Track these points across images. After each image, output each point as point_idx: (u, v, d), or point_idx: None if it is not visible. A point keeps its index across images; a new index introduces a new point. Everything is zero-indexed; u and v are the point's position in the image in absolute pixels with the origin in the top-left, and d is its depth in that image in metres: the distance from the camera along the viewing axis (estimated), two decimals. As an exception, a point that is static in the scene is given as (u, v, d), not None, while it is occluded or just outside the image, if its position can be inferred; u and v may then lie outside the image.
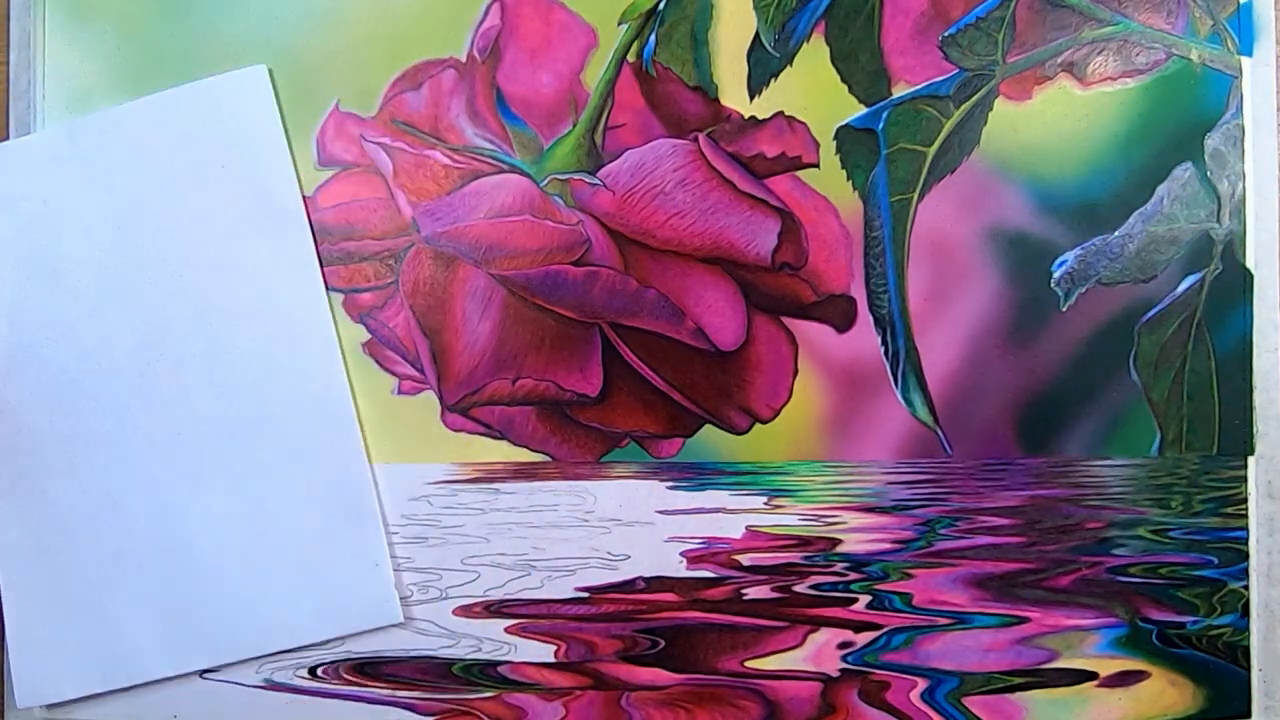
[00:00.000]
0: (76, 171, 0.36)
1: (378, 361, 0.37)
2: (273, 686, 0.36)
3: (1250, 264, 0.37)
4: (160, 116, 0.36)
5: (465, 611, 0.37)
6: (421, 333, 0.37)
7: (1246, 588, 0.37)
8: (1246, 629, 0.37)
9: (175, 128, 0.36)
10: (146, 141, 0.36)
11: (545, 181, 0.37)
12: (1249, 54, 0.37)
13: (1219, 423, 0.37)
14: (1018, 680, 0.37)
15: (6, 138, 0.37)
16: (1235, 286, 0.37)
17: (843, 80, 0.37)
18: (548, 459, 0.37)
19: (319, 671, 0.36)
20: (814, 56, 0.37)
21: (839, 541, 0.37)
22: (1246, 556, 0.37)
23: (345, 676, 0.36)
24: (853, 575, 0.37)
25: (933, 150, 0.36)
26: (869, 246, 0.37)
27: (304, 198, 0.37)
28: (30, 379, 0.36)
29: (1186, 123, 0.37)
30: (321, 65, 0.37)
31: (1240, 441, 0.37)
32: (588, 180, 0.37)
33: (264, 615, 0.36)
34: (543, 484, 0.37)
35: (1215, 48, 0.37)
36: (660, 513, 0.37)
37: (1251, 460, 0.37)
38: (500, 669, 0.37)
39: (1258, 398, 0.37)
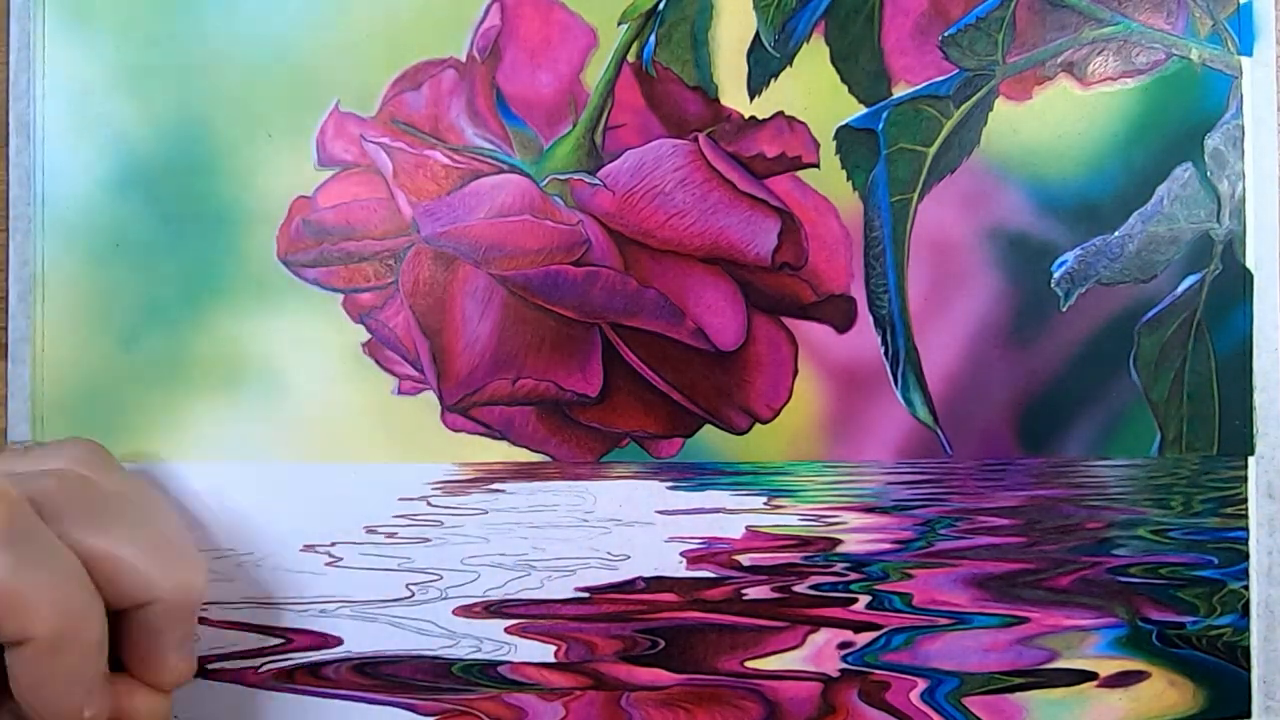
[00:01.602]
0: None
1: (377, 361, 0.37)
2: (273, 686, 0.36)
3: (1250, 264, 0.37)
4: None
5: (465, 611, 0.37)
6: (421, 333, 0.37)
7: (1246, 588, 0.37)
8: (1246, 629, 0.37)
9: None
10: None
11: (545, 181, 0.37)
12: (1249, 54, 0.37)
13: (1219, 423, 0.37)
14: (1018, 680, 0.37)
15: (6, 138, 0.37)
16: (1235, 286, 0.37)
17: (843, 80, 0.37)
18: (548, 459, 0.37)
19: (320, 671, 0.36)
20: (814, 56, 0.37)
21: (839, 542, 0.37)
22: (1246, 556, 0.37)
23: (345, 676, 0.36)
24: (853, 575, 0.37)
25: (933, 150, 0.36)
26: (869, 246, 0.37)
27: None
28: None
29: (1186, 123, 0.37)
30: (321, 65, 0.37)
31: (1240, 441, 0.37)
32: (588, 180, 0.37)
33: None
34: (543, 484, 0.37)
35: (1215, 48, 0.37)
36: (660, 513, 0.37)
37: (1252, 460, 0.37)
38: (500, 669, 0.37)
39: (1258, 398, 0.37)
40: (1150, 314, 0.37)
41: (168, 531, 0.32)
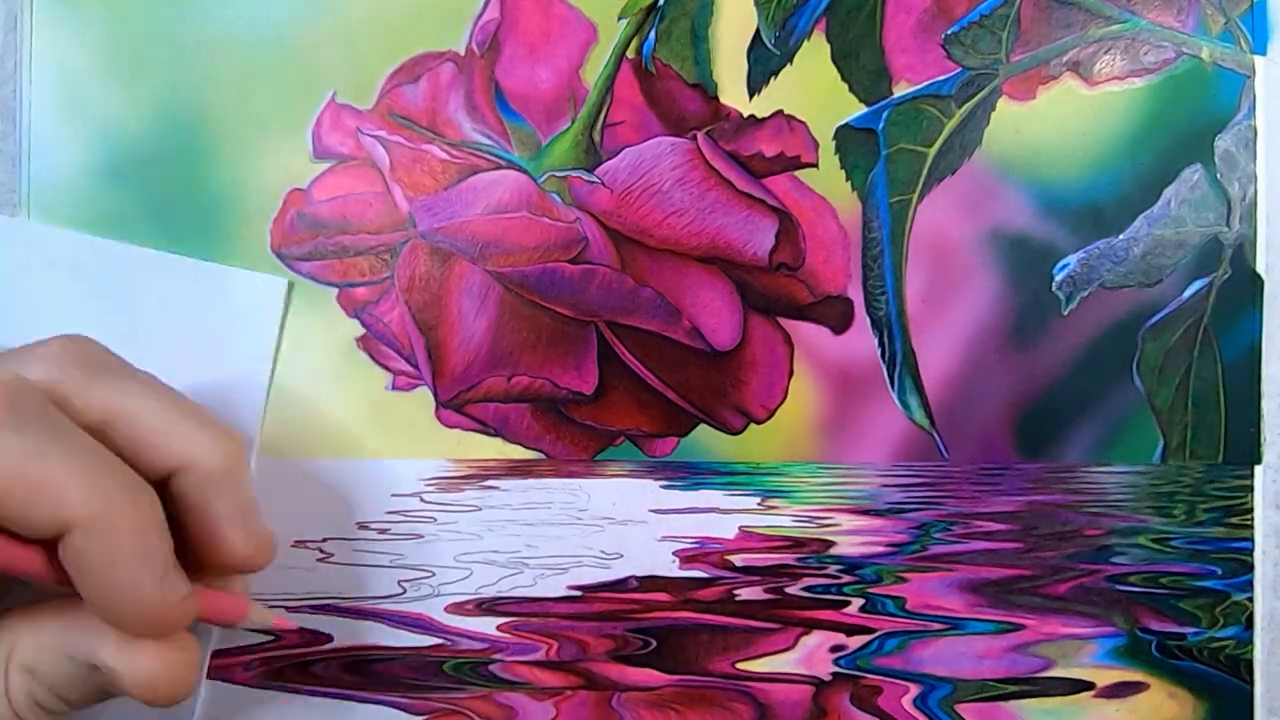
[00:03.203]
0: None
1: (372, 357, 0.37)
2: (261, 684, 0.36)
3: (1261, 269, 0.36)
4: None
5: (457, 609, 0.37)
6: (417, 328, 0.36)
7: (1251, 600, 0.36)
8: (1250, 642, 0.36)
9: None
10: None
11: (543, 178, 0.37)
12: (1263, 53, 0.36)
13: (1225, 430, 0.36)
14: (1012, 688, 0.36)
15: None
16: (1244, 292, 0.36)
17: (843, 79, 0.36)
18: (542, 456, 0.37)
19: (309, 669, 0.36)
20: (814, 54, 0.36)
21: (832, 544, 0.36)
22: (1251, 568, 0.36)
23: (335, 674, 0.36)
24: (846, 578, 0.36)
25: (933, 151, 0.36)
26: (867, 248, 0.36)
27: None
28: None
29: (1196, 123, 0.36)
30: (318, 56, 0.36)
31: (1247, 450, 0.36)
32: (585, 178, 0.36)
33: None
34: (536, 481, 0.37)
35: (1227, 46, 0.36)
36: (653, 512, 0.37)
37: (1259, 469, 0.36)
38: (491, 668, 0.37)
39: (1266, 405, 0.36)
40: (1155, 319, 0.36)
41: (190, 402, 0.29)
